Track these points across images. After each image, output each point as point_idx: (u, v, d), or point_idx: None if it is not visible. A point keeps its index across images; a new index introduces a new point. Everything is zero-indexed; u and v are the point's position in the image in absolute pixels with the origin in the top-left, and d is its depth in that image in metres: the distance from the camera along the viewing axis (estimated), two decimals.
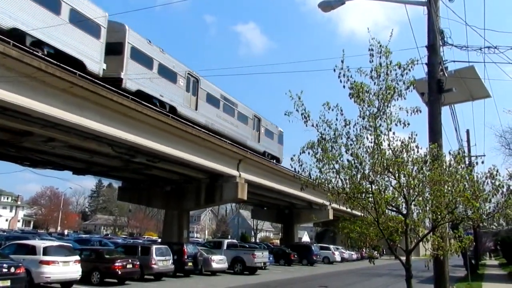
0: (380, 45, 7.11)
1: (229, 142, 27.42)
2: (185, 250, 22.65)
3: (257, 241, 77.17)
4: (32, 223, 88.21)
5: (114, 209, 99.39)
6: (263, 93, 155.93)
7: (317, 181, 7.43)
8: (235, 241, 36.10)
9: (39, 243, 16.35)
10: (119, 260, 17.85)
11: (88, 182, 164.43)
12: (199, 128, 24.39)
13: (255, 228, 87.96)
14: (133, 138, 20.58)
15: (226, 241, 30.04)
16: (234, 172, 29.21)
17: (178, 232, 30.38)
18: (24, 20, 15.09)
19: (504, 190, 6.79)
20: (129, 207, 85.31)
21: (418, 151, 7.21)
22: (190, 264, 22.65)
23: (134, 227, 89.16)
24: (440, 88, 8.90)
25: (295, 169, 7.54)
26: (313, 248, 40.64)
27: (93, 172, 31.74)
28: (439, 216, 7.07)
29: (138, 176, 30.77)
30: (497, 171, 6.83)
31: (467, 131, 31.66)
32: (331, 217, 44.95)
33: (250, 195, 32.54)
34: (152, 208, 72.60)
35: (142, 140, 21.14)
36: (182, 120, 23.26)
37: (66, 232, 66.01)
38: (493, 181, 6.83)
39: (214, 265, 24.35)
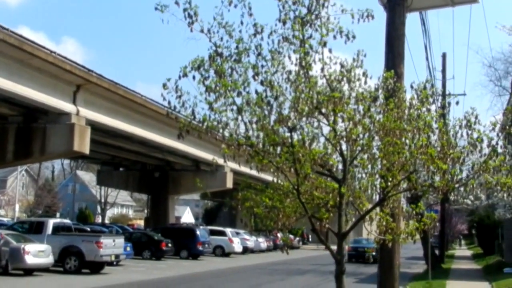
0: None
1: (60, 54, 26.31)
2: None
3: (107, 221, 76.82)
4: None
5: None
6: None
7: (205, 123, 7.40)
8: (67, 221, 35.57)
9: None
10: None
11: None
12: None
13: (103, 201, 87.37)
14: None
15: (51, 222, 29.55)
16: (67, 106, 28.49)
17: None
18: None
19: (484, 145, 7.32)
20: None
21: (366, 82, 7.48)
22: None
23: None
24: None
25: (169, 103, 7.42)
26: (198, 232, 41.55)
27: None
28: (390, 183, 7.52)
29: None
30: (476, 117, 7.30)
31: (443, 55, 33.87)
32: (229, 184, 46.01)
33: (95, 146, 32.07)
34: None
35: None
36: None
37: None
38: (469, 132, 7.33)
39: (30, 260, 24.01)
